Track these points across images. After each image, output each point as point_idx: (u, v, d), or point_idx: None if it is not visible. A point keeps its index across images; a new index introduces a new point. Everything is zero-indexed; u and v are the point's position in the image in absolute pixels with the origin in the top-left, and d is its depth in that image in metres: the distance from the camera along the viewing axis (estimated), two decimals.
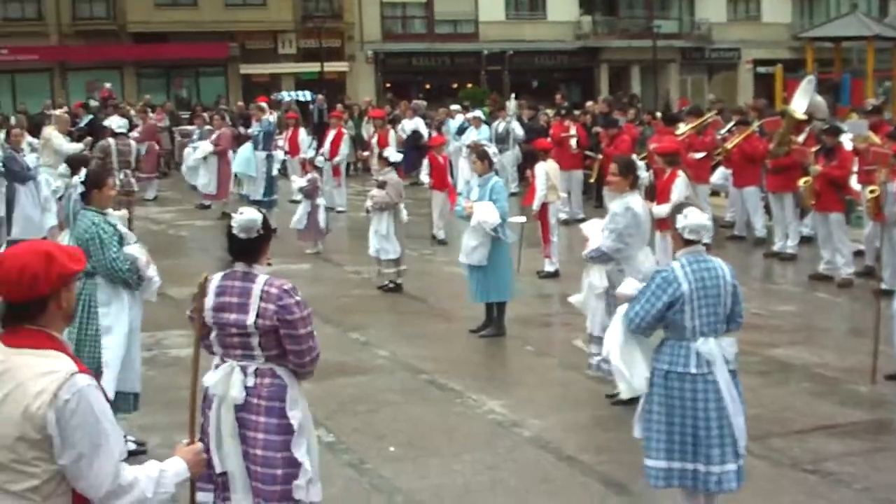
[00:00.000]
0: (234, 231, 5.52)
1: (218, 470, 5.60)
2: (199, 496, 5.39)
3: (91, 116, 26.07)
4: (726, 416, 6.40)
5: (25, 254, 3.70)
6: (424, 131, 25.69)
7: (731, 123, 18.95)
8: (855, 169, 14.67)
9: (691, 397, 6.41)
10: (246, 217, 5.54)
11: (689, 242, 6.50)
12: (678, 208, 6.69)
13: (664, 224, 11.68)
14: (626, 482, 7.76)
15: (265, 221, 5.61)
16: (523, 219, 14.18)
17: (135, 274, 7.93)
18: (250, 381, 5.52)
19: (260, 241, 5.56)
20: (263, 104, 21.81)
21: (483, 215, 11.53)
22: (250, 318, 5.42)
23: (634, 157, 10.87)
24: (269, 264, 5.69)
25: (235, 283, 5.51)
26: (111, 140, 19.22)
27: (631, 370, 6.74)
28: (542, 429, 8.95)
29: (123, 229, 8.25)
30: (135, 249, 8.01)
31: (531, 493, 7.66)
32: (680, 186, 12.15)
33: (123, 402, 8.05)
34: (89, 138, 20.21)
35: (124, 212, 9.06)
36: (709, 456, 6.40)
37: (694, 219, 6.44)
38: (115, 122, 16.12)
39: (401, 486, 7.74)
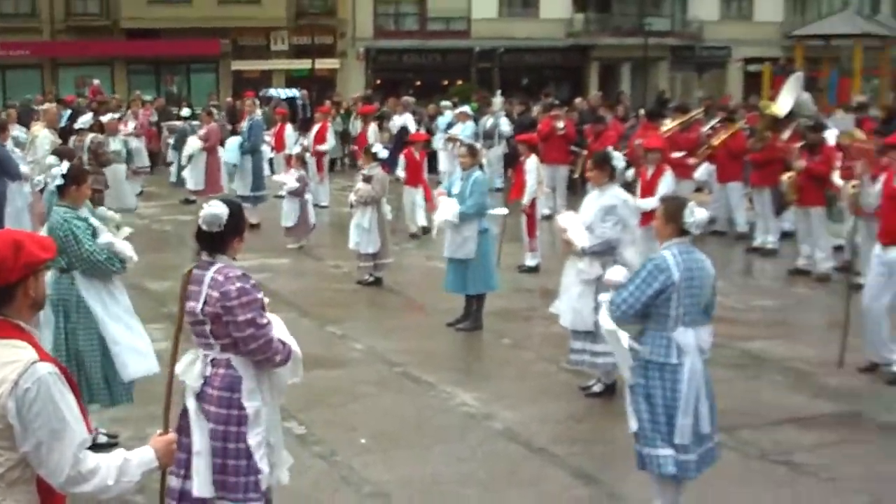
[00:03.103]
0: (199, 223, 5.51)
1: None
2: (171, 480, 5.43)
3: (70, 112, 25.83)
4: (691, 403, 6.45)
5: None
6: (412, 127, 25.68)
7: (716, 120, 18.95)
8: (838, 165, 14.69)
9: (671, 387, 6.47)
10: (210, 211, 5.48)
11: (682, 234, 6.56)
12: (679, 205, 6.66)
13: (649, 217, 11.68)
14: (595, 473, 7.82)
15: (236, 217, 5.55)
16: (504, 210, 14.15)
17: (116, 260, 7.88)
18: (207, 371, 5.53)
19: (224, 235, 5.50)
20: (256, 100, 21.71)
21: (442, 212, 11.69)
22: (199, 305, 5.42)
23: (611, 149, 10.84)
24: (233, 259, 5.64)
25: (197, 272, 5.50)
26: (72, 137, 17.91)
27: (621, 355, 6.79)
28: (514, 421, 8.95)
29: (95, 221, 8.21)
30: (107, 237, 7.94)
31: (499, 484, 7.66)
32: (668, 181, 12.56)
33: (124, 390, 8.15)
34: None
35: (112, 214, 9.00)
36: (684, 444, 6.47)
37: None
38: (81, 119, 15.89)
39: (369, 477, 7.74)
